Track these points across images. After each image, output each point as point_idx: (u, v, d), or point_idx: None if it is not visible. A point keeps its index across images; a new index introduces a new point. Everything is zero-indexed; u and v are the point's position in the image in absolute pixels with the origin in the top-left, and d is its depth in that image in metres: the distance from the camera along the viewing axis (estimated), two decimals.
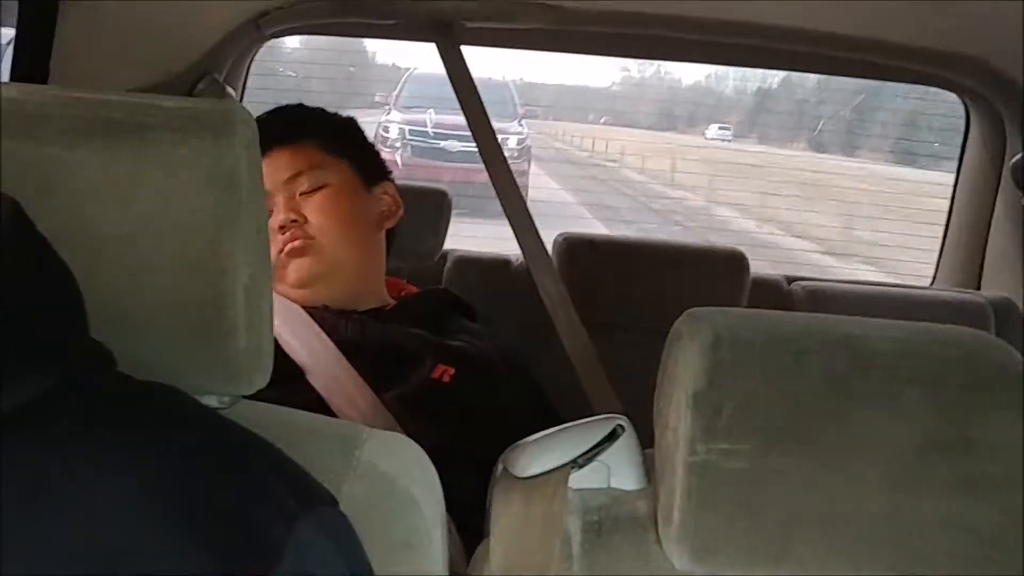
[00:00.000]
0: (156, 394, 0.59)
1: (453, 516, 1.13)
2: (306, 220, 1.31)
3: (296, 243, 1.30)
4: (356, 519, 0.62)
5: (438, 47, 1.45)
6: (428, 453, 1.19)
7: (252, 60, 1.80)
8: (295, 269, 1.30)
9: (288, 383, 1.21)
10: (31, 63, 1.22)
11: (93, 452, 0.51)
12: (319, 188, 1.33)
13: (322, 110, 1.44)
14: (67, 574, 0.47)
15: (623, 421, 0.77)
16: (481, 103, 1.45)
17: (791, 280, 1.95)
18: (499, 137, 1.46)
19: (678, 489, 0.69)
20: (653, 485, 0.75)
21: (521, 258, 1.82)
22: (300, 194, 1.32)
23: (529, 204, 1.50)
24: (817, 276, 2.00)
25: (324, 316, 1.29)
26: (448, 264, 1.86)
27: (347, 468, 0.72)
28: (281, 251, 1.29)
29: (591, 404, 1.43)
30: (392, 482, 0.73)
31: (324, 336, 1.26)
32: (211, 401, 0.72)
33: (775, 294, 1.90)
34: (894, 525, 0.68)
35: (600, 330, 1.51)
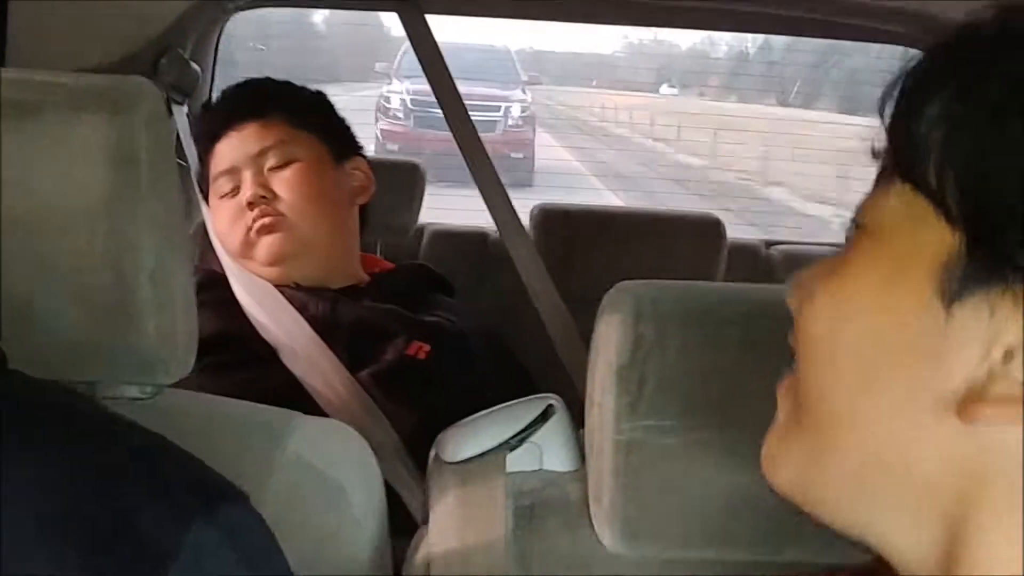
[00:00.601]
0: (48, 395, 0.56)
1: None
2: (275, 196, 1.28)
3: (265, 220, 1.26)
4: (283, 511, 0.60)
5: (400, 16, 1.41)
6: (405, 430, 1.18)
7: (220, 34, 1.76)
8: (265, 247, 1.27)
9: (261, 364, 1.19)
10: None
11: None
12: (288, 163, 1.30)
13: (290, 84, 1.41)
14: None
15: (555, 400, 0.75)
16: (448, 72, 1.41)
17: (769, 244, 1.92)
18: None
19: (606, 468, 0.67)
20: (586, 465, 0.73)
21: (496, 231, 1.79)
22: (268, 169, 1.29)
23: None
24: (796, 240, 1.97)
25: (295, 295, 1.26)
26: (424, 238, 1.83)
27: (273, 458, 0.70)
28: (250, 228, 1.26)
29: (570, 376, 1.41)
30: (320, 472, 0.71)
31: (297, 315, 1.24)
32: (132, 391, 0.70)
33: (752, 259, 1.87)
34: None
35: (578, 301, 1.48)
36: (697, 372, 0.66)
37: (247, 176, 1.29)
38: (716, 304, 0.68)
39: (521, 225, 1.45)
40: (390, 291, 1.33)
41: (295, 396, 1.16)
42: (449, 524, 0.71)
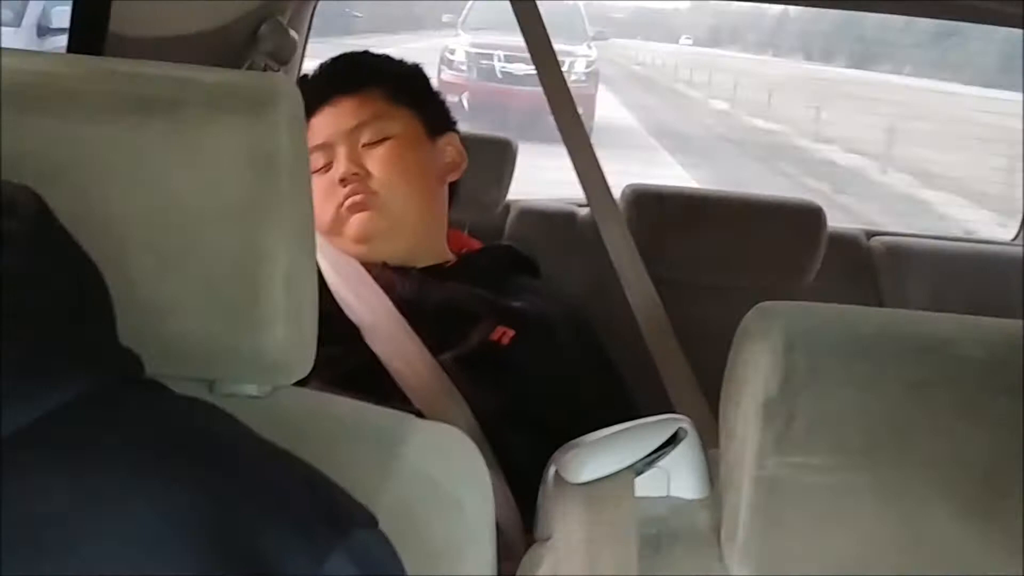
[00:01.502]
0: (183, 411, 0.54)
1: (509, 482, 1.10)
2: (368, 173, 1.26)
3: (357, 198, 1.25)
4: (395, 523, 0.58)
5: None
6: (484, 417, 1.17)
7: (317, 3, 1.74)
8: (355, 224, 1.25)
9: (345, 342, 1.18)
10: (91, 9, 1.18)
11: (102, 480, 0.47)
12: (383, 140, 1.28)
13: (388, 57, 1.39)
14: None
15: (685, 423, 0.72)
16: (545, 32, 1.37)
17: (870, 235, 1.86)
18: (567, 60, 1.39)
19: (743, 505, 0.64)
20: (716, 493, 0.70)
21: (587, 210, 1.76)
22: (363, 145, 1.27)
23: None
24: (896, 231, 1.91)
25: (382, 273, 1.25)
26: (511, 215, 1.80)
27: (387, 466, 0.68)
28: (341, 205, 1.25)
29: (656, 364, 1.39)
30: (436, 483, 0.69)
31: (383, 295, 1.23)
32: (250, 390, 0.69)
33: (853, 250, 1.81)
34: (981, 550, 0.62)
35: (668, 286, 1.45)
36: (852, 410, 0.62)
37: (341, 152, 1.27)
38: (878, 335, 0.64)
39: (615, 204, 1.42)
40: (476, 272, 1.32)
41: (377, 376, 1.15)
42: (573, 547, 0.68)
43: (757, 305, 0.68)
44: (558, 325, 1.28)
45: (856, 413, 0.63)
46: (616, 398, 1.31)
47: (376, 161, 1.26)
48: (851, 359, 0.63)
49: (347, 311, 1.21)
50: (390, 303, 1.21)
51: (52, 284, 0.51)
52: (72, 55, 1.01)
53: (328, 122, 1.29)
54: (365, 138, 1.27)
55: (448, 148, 1.36)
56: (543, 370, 1.22)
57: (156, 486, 0.47)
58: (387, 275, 1.25)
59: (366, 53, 1.38)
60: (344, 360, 1.14)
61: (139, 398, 0.53)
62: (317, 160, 1.28)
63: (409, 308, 1.21)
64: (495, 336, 1.22)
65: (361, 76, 1.32)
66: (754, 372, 0.64)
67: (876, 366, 0.63)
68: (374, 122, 1.28)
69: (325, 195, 1.26)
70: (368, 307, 1.21)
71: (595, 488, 0.70)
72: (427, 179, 1.32)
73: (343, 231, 1.26)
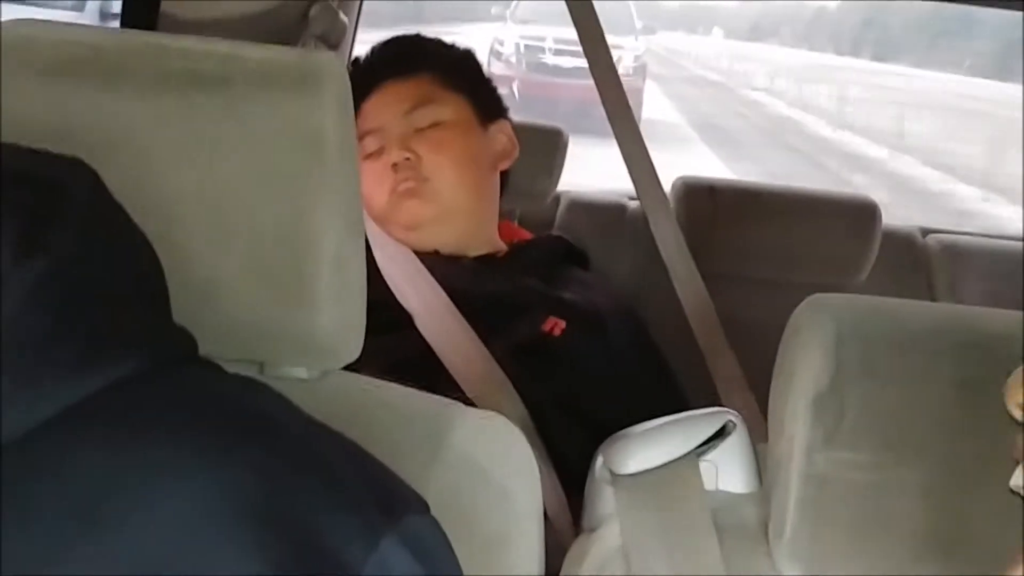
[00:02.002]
0: (237, 389, 0.54)
1: (558, 474, 1.10)
2: (419, 159, 1.25)
3: (409, 184, 1.24)
4: (443, 511, 0.58)
5: None
6: (535, 408, 1.17)
7: None
8: (407, 211, 1.25)
9: (396, 331, 1.18)
10: None
11: (159, 454, 0.47)
12: (434, 125, 1.27)
13: (441, 41, 1.38)
14: None
15: (734, 416, 0.71)
16: (600, 26, 1.36)
17: (925, 232, 1.83)
18: (615, 53, 1.38)
19: (792, 500, 0.63)
20: (765, 489, 0.69)
21: (637, 203, 1.74)
22: (415, 131, 1.26)
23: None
24: (952, 228, 1.88)
25: (435, 263, 1.24)
26: (561, 206, 1.79)
27: (435, 452, 0.68)
28: (393, 191, 1.24)
29: (705, 359, 1.37)
30: (485, 472, 0.69)
31: (435, 283, 1.22)
32: (299, 373, 0.69)
33: (907, 248, 1.78)
34: None
35: (717, 280, 1.44)
36: (903, 406, 0.62)
37: (392, 137, 1.26)
38: (931, 330, 0.63)
39: (665, 196, 1.40)
40: (528, 263, 1.31)
41: (428, 365, 1.15)
42: (644, 540, 0.68)
43: (808, 298, 0.67)
44: (609, 318, 1.27)
45: (906, 409, 0.62)
46: (668, 393, 1.30)
47: (427, 146, 1.25)
48: (902, 354, 0.63)
49: (400, 299, 1.20)
50: (443, 292, 1.20)
51: (110, 261, 0.51)
52: (123, 29, 1.01)
53: (379, 107, 1.28)
54: (416, 123, 1.26)
55: (500, 135, 1.35)
56: (594, 362, 1.21)
57: (214, 461, 0.47)
58: (439, 264, 1.24)
59: (418, 36, 1.37)
60: (396, 349, 1.14)
61: (195, 376, 0.53)
62: (369, 145, 1.27)
63: (461, 298, 1.20)
64: (547, 327, 1.21)
65: (413, 60, 1.31)
66: (804, 366, 0.63)
67: (928, 362, 0.62)
68: (425, 107, 1.27)
69: (377, 181, 1.25)
70: (421, 296, 1.20)
71: (655, 480, 0.70)
72: (478, 166, 1.31)
73: (395, 217, 1.25)
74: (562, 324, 1.21)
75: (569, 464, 1.08)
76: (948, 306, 0.68)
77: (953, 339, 0.63)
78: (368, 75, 1.30)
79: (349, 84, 0.65)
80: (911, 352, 0.63)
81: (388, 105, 1.28)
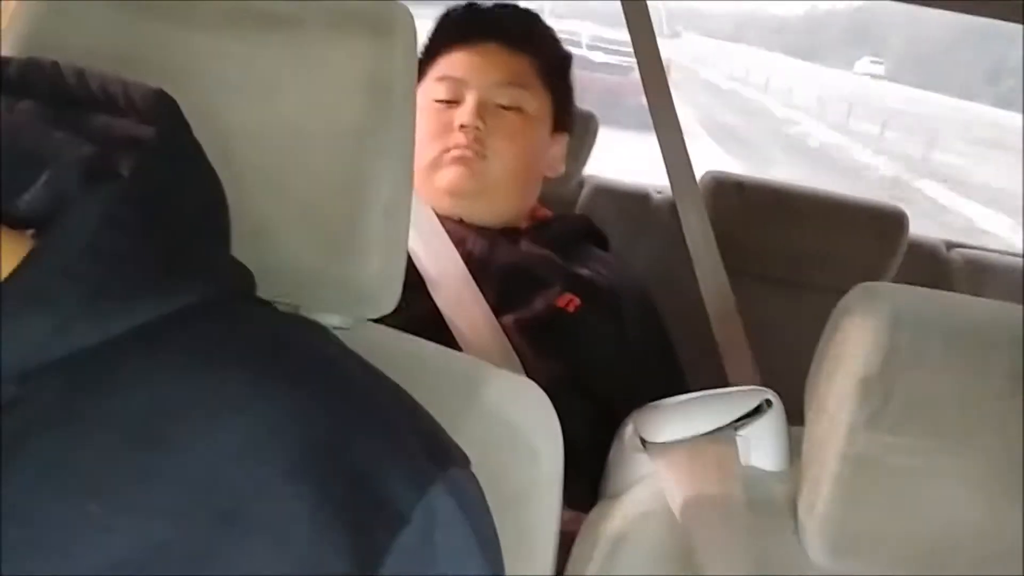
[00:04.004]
0: (296, 327, 0.54)
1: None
2: (488, 134, 1.21)
3: (467, 152, 1.20)
4: (473, 464, 0.57)
5: None
6: (540, 382, 1.15)
7: None
8: (452, 176, 1.21)
9: (407, 291, 1.16)
10: None
11: (220, 383, 0.47)
12: (517, 108, 1.24)
13: (554, 32, 1.34)
14: (169, 535, 0.43)
15: (771, 396, 0.71)
16: (650, 21, 1.35)
17: (950, 246, 1.82)
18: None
19: (827, 478, 0.63)
20: (795, 468, 0.69)
21: (660, 192, 1.74)
22: (496, 104, 1.23)
23: None
24: (978, 244, 1.87)
25: (456, 227, 1.22)
26: (584, 190, 1.79)
27: (467, 409, 0.68)
28: (447, 150, 1.20)
29: (721, 355, 1.37)
30: (514, 430, 0.68)
31: (453, 248, 1.20)
32: (333, 320, 0.68)
33: (931, 260, 1.78)
34: None
35: (738, 276, 1.43)
36: (951, 394, 0.61)
37: (473, 98, 1.22)
38: (985, 323, 0.63)
39: (697, 190, 1.40)
40: (548, 237, 1.29)
41: (435, 328, 1.12)
42: (659, 505, 0.67)
43: (858, 285, 0.67)
44: (624, 299, 1.25)
45: (954, 398, 0.61)
46: (671, 379, 1.29)
47: (501, 126, 1.22)
48: (956, 344, 0.62)
49: (414, 260, 1.18)
50: (459, 258, 1.19)
51: (181, 191, 0.51)
52: None
53: (475, 62, 1.24)
54: (503, 98, 1.23)
55: (557, 147, 1.33)
56: (605, 341, 1.20)
57: (274, 392, 0.47)
58: (459, 229, 1.22)
59: (538, 17, 1.33)
60: (405, 308, 1.13)
61: (256, 311, 0.53)
62: (442, 91, 1.23)
63: (477, 265, 1.19)
64: (561, 302, 1.19)
65: (527, 38, 1.27)
66: (854, 349, 0.63)
67: (979, 353, 0.62)
68: (518, 88, 1.24)
69: (436, 132, 1.21)
70: (436, 259, 1.18)
71: (690, 450, 0.69)
72: (534, 165, 1.28)
73: (435, 177, 1.21)
74: (577, 301, 1.20)
75: (572, 441, 1.07)
76: (1001, 303, 0.68)
77: (1008, 334, 0.63)
78: (475, 25, 1.26)
79: (417, 35, 0.64)
80: (964, 343, 0.62)
81: (485, 66, 1.23)
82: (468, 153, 1.20)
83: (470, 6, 1.32)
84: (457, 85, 1.23)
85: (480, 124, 1.21)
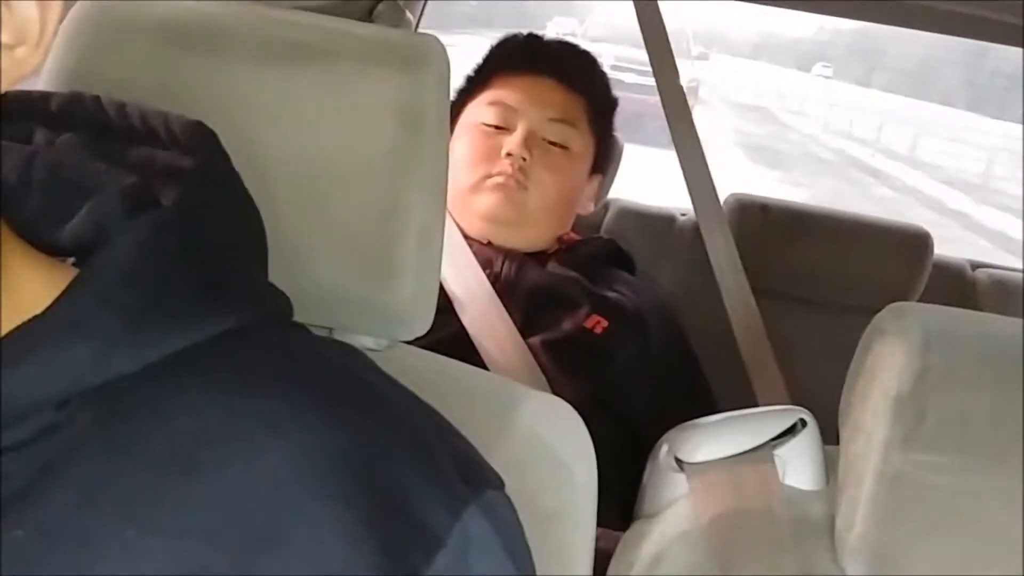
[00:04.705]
0: (331, 350, 0.55)
1: None
2: (532, 167, 1.23)
3: (509, 181, 1.22)
4: (508, 483, 0.58)
5: None
6: (570, 403, 1.16)
7: None
8: (490, 203, 1.22)
9: (435, 312, 1.17)
10: None
11: (257, 407, 0.47)
12: (564, 146, 1.26)
13: (607, 77, 1.37)
14: (204, 557, 0.43)
15: (806, 415, 0.71)
16: (669, 47, 1.36)
17: (976, 266, 1.81)
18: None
19: (864, 498, 0.63)
20: (832, 488, 0.69)
21: (686, 215, 1.74)
22: (543, 139, 1.25)
23: None
24: (1005, 264, 1.86)
25: (483, 249, 1.24)
26: (609, 213, 1.79)
27: (500, 429, 0.68)
28: (488, 176, 1.22)
29: (750, 376, 1.36)
30: (547, 449, 0.69)
31: (480, 271, 1.21)
32: (367, 342, 0.70)
33: (957, 280, 1.77)
34: None
35: (762, 298, 1.43)
36: (986, 413, 0.61)
37: (524, 128, 1.24)
38: (1016, 341, 0.63)
39: (721, 212, 1.40)
40: (575, 260, 1.30)
41: (463, 349, 1.14)
42: (701, 527, 0.68)
43: (889, 305, 0.67)
44: (651, 322, 1.26)
45: (988, 416, 0.62)
46: (701, 402, 1.29)
47: (546, 161, 1.24)
48: (988, 362, 0.62)
49: (442, 281, 1.20)
50: (487, 281, 1.20)
51: (219, 219, 0.52)
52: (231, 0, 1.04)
53: (531, 94, 1.26)
54: (551, 134, 1.25)
55: (591, 187, 1.35)
56: (632, 363, 1.20)
57: (309, 417, 0.47)
58: (487, 251, 1.23)
59: (596, 60, 1.35)
60: (432, 330, 1.14)
61: (292, 335, 0.54)
62: (490, 114, 1.25)
63: (506, 287, 1.20)
64: (589, 324, 1.20)
65: (585, 78, 1.30)
66: (888, 368, 0.63)
67: (1011, 372, 0.62)
68: (568, 126, 1.26)
69: (481, 156, 1.23)
70: (463, 280, 1.20)
71: (728, 470, 0.69)
72: (571, 202, 1.31)
73: (473, 200, 1.23)
74: (604, 323, 1.21)
75: (598, 463, 1.07)
76: None
77: None
78: (536, 57, 1.28)
79: (450, 66, 0.66)
80: (996, 361, 0.63)
81: (541, 100, 1.25)
82: (511, 182, 1.22)
83: (531, 36, 1.35)
84: (509, 113, 1.25)
85: (527, 155, 1.22)
